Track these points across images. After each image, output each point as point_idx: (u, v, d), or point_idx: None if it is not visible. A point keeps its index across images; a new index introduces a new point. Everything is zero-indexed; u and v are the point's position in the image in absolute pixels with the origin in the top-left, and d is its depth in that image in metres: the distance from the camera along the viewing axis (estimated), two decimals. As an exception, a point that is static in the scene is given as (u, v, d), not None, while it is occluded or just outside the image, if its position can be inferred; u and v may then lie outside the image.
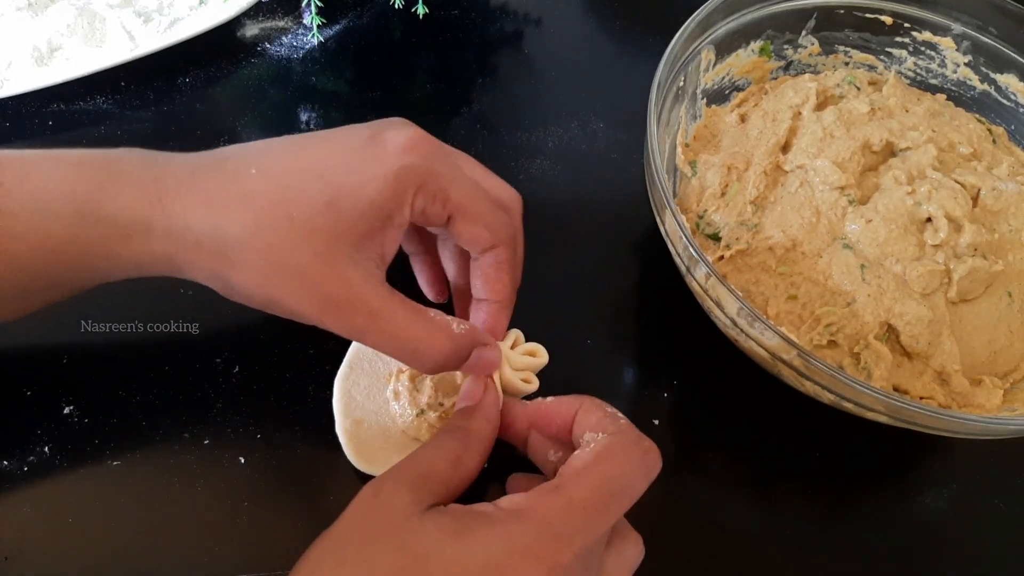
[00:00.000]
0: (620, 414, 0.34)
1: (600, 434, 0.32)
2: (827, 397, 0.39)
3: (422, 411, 0.40)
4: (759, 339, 0.39)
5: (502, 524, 0.29)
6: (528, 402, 0.37)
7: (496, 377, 0.38)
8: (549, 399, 0.36)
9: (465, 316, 0.40)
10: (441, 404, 0.40)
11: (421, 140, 0.35)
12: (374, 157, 0.34)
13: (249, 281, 0.33)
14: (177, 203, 0.32)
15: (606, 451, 0.31)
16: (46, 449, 0.40)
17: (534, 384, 0.39)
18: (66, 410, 0.41)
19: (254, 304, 0.34)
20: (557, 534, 0.29)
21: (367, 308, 0.33)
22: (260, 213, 0.32)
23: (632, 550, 0.32)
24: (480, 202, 0.36)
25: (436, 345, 0.34)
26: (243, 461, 0.41)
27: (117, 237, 0.33)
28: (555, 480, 0.31)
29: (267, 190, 0.33)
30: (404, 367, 0.41)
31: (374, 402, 0.41)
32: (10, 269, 0.33)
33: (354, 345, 0.42)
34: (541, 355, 0.39)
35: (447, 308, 0.42)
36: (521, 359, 0.39)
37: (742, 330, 0.39)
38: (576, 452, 0.32)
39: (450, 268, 0.42)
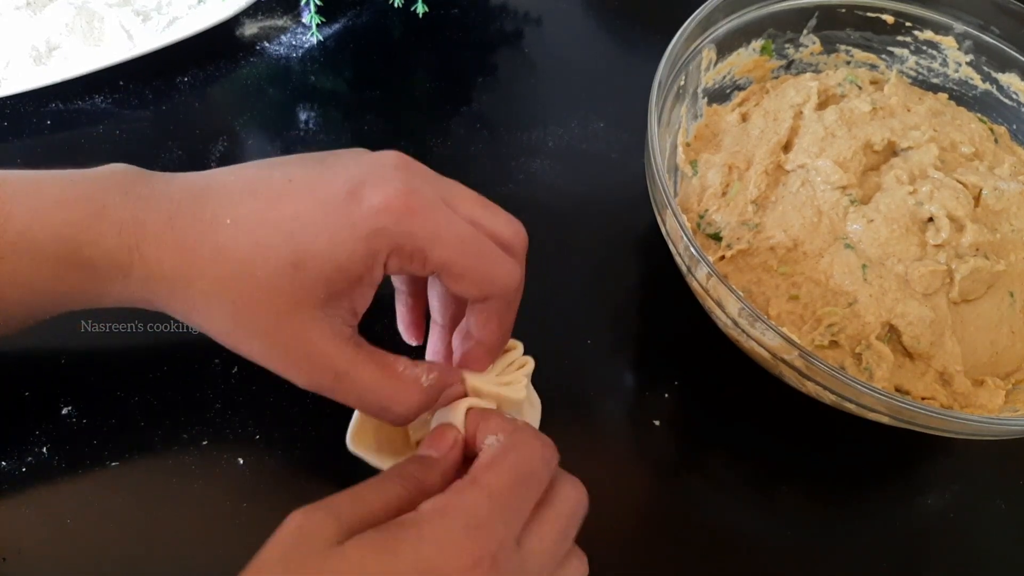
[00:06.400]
0: (516, 419, 0.35)
1: (501, 435, 0.33)
2: (828, 398, 0.39)
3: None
4: (760, 339, 0.38)
5: (428, 525, 0.28)
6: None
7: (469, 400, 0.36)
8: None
9: (446, 350, 0.40)
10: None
11: (399, 198, 0.33)
12: (347, 217, 0.32)
13: (218, 333, 0.33)
14: (153, 251, 0.32)
15: (511, 444, 0.32)
16: (44, 450, 0.40)
17: (516, 395, 0.37)
18: (64, 411, 0.41)
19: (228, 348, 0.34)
20: (483, 524, 0.29)
21: (332, 369, 0.33)
22: (227, 269, 0.32)
23: (577, 564, 0.33)
24: (468, 256, 0.34)
25: (405, 401, 0.34)
26: (242, 462, 0.41)
27: (99, 279, 0.33)
28: (469, 475, 0.31)
29: (238, 245, 0.32)
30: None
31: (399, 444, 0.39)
32: None
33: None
34: (516, 346, 0.38)
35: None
36: (493, 388, 0.37)
37: (743, 330, 0.39)
38: (484, 450, 0.32)
39: (435, 306, 0.40)
